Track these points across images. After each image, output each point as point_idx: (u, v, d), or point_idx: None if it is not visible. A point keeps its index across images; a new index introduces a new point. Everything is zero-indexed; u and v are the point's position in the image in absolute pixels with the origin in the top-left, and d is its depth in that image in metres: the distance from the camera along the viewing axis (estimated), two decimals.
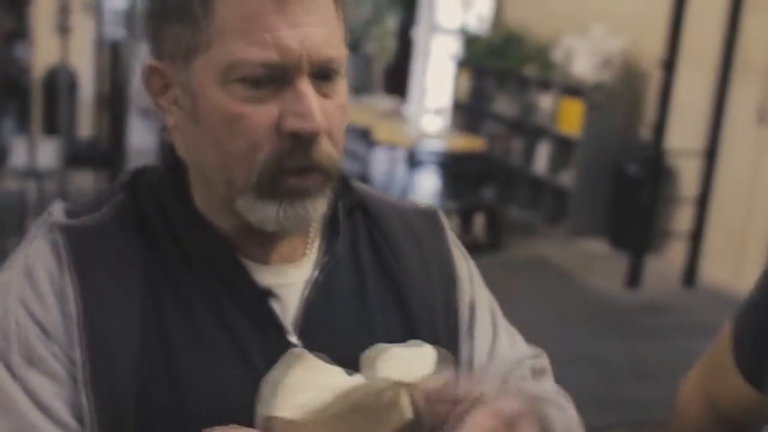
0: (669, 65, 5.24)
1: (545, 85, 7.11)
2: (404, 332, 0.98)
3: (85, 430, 0.86)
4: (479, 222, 6.31)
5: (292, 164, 0.87)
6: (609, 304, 5.29)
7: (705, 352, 1.08)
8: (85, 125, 7.07)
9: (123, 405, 0.87)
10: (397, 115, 7.93)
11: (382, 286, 1.02)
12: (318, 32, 0.86)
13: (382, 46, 10.30)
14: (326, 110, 0.88)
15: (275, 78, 0.86)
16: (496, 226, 6.42)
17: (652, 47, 5.98)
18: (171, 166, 0.97)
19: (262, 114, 0.86)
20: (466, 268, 1.12)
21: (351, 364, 0.89)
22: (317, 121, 0.86)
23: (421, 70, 10.12)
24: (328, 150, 0.90)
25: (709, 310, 5.03)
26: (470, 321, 1.08)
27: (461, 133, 7.87)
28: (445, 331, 1.04)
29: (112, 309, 0.89)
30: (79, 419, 0.87)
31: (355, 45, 10.29)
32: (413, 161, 7.45)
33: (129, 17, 5.63)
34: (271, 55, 0.84)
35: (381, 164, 8.12)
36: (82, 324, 0.88)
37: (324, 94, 0.89)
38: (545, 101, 7.08)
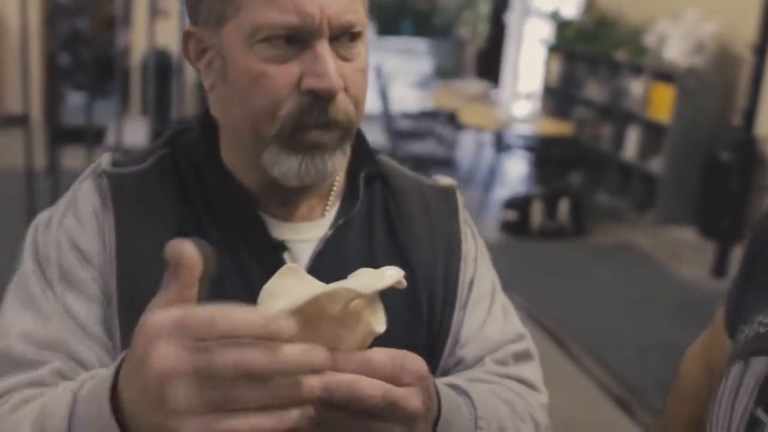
0: (761, 50, 5.12)
1: (636, 70, 7.01)
2: (405, 295, 1.03)
3: (114, 343, 0.98)
4: (564, 207, 6.28)
5: (311, 119, 0.94)
6: (694, 292, 5.22)
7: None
8: (190, 107, 7.28)
9: None
10: (486, 99, 7.95)
11: (389, 251, 1.09)
12: None
13: (474, 30, 10.30)
14: (345, 72, 0.95)
15: (296, 40, 0.92)
16: (582, 212, 6.38)
17: (745, 32, 5.84)
18: (204, 127, 1.07)
19: (284, 73, 0.93)
20: (473, 247, 1.17)
21: None
22: (333, 80, 0.92)
23: (513, 54, 10.08)
24: (346, 108, 0.96)
25: None
26: (466, 297, 1.13)
27: (550, 118, 7.83)
28: (441, 300, 1.10)
29: (145, 244, 0.99)
30: (110, 335, 0.98)
31: (447, 29, 10.32)
32: (500, 145, 7.45)
33: None
34: (292, 19, 0.91)
35: (468, 148, 8.14)
36: (118, 254, 0.99)
37: (343, 57, 0.95)
38: (636, 86, 6.98)
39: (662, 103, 6.61)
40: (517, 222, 6.16)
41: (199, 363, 0.65)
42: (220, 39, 0.97)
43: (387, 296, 0.96)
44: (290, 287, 0.76)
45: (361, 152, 1.09)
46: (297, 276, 0.78)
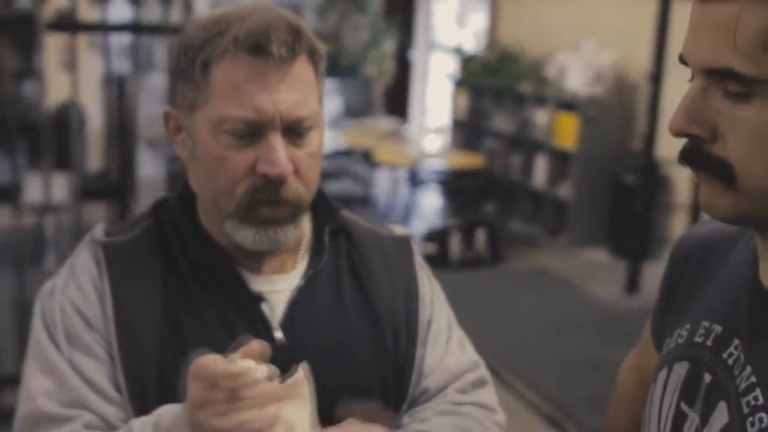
0: (656, 77, 5.42)
1: (540, 100, 7.29)
2: (372, 335, 1.22)
3: (123, 397, 1.11)
4: (480, 237, 6.47)
5: (263, 197, 1.11)
6: (609, 310, 5.44)
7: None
8: (94, 159, 7.25)
9: (146, 380, 1.11)
10: (397, 135, 8.12)
11: (356, 297, 1.24)
12: (290, 97, 1.08)
13: (380, 68, 10.48)
14: (296, 156, 1.11)
15: (253, 132, 1.08)
16: (498, 241, 6.57)
17: (640, 60, 6.16)
18: (183, 195, 1.21)
19: (242, 158, 1.09)
20: (429, 288, 1.33)
21: (326, 357, 1.14)
22: (282, 167, 1.09)
23: (419, 90, 10.31)
24: (296, 189, 1.12)
25: None
26: (426, 333, 1.28)
27: (461, 150, 8.05)
28: (404, 338, 1.25)
29: (137, 309, 1.13)
30: (118, 389, 1.11)
31: (354, 69, 10.49)
32: (415, 180, 7.62)
33: (133, 52, 5.80)
34: (249, 114, 1.07)
35: (383, 184, 8.29)
36: (115, 317, 1.12)
37: (296, 145, 1.11)
38: (541, 116, 7.25)
39: (567, 132, 6.89)
40: (437, 254, 6.31)
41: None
42: (191, 123, 1.12)
43: (357, 340, 1.19)
44: None
45: (324, 211, 1.26)
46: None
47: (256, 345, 0.98)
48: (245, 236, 1.13)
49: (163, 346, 1.12)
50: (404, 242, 1.34)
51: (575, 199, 6.87)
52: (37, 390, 1.10)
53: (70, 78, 5.23)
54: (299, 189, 1.13)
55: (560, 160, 7.10)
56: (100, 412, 1.09)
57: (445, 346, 1.29)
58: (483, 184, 7.63)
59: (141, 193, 5.67)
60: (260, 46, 1.06)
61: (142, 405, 1.09)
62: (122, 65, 6.47)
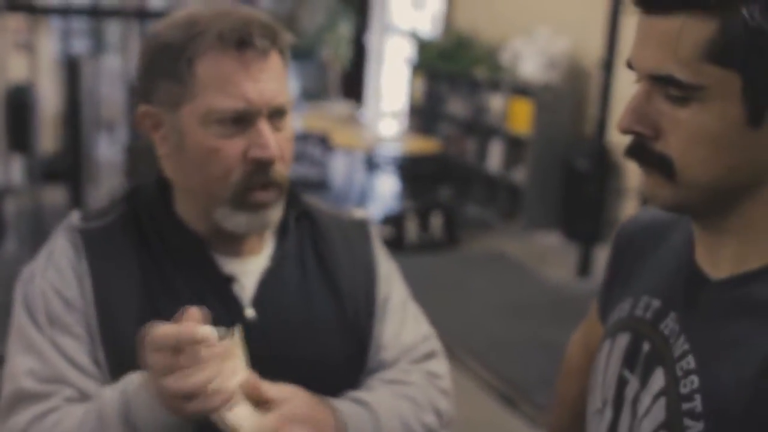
0: (608, 65, 5.55)
1: (495, 86, 7.40)
2: (335, 313, 1.32)
3: (102, 372, 1.18)
4: (436, 221, 6.57)
5: (256, 182, 1.19)
6: (561, 292, 5.58)
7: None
8: (47, 141, 7.21)
9: (126, 357, 1.15)
10: (354, 119, 8.18)
11: (319, 277, 1.34)
12: (272, 86, 1.17)
13: (337, 52, 10.52)
14: (278, 141, 1.19)
15: (241, 120, 1.16)
16: (453, 224, 6.69)
17: (593, 48, 6.29)
18: (159, 185, 1.29)
19: (233, 147, 1.17)
20: (387, 268, 1.43)
21: (294, 333, 1.24)
22: (273, 150, 1.17)
23: (375, 74, 10.36)
24: (281, 170, 1.21)
25: None
26: (384, 311, 1.39)
27: (417, 135, 8.13)
28: (364, 315, 1.35)
29: (115, 289, 1.21)
30: (98, 366, 1.19)
31: (309, 53, 10.51)
32: (371, 164, 7.70)
33: (90, 34, 5.80)
34: (239, 104, 1.15)
35: (339, 168, 8.35)
36: (95, 298, 1.20)
37: (277, 129, 1.20)
38: (496, 102, 7.37)
39: (521, 117, 7.01)
40: (393, 237, 6.40)
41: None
42: (177, 118, 1.18)
43: (322, 317, 1.30)
44: None
45: (290, 196, 1.33)
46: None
47: (196, 310, 1.04)
48: (239, 221, 1.21)
49: (141, 325, 1.17)
50: (363, 225, 1.44)
51: (529, 184, 7.00)
52: (19, 370, 1.17)
53: (27, 59, 5.22)
54: (283, 171, 1.21)
55: (514, 145, 7.22)
56: (81, 387, 1.16)
57: (401, 322, 1.39)
58: (439, 169, 7.73)
59: (98, 175, 5.67)
60: (244, 40, 1.14)
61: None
62: (78, 46, 6.45)
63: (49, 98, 7.26)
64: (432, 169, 7.68)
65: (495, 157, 7.46)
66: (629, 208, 6.17)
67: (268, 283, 1.28)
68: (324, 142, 7.70)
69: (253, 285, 1.28)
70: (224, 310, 1.23)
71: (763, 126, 0.89)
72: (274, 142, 1.17)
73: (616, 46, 5.49)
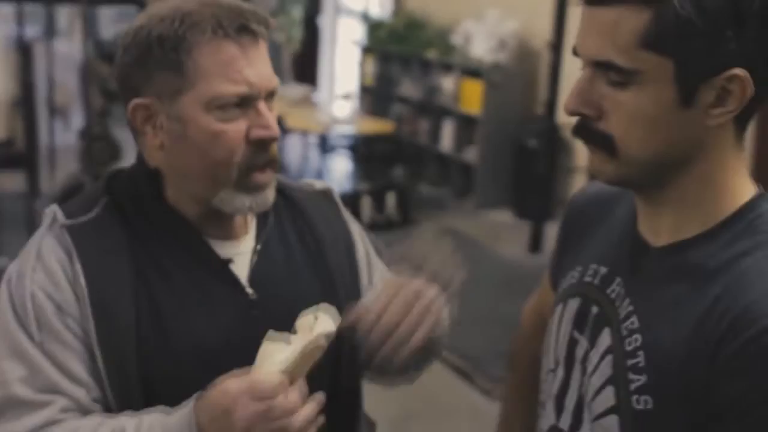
0: (557, 46, 5.67)
1: (447, 67, 7.50)
2: (321, 286, 1.37)
3: (102, 384, 1.19)
4: (391, 201, 6.66)
5: (259, 161, 1.22)
6: (514, 268, 5.72)
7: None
8: (0, 127, 7.14)
9: (125, 355, 1.19)
10: (308, 102, 8.20)
11: (303, 252, 1.39)
12: (267, 69, 1.22)
13: (289, 34, 10.50)
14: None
15: (243, 103, 1.20)
16: (407, 204, 6.79)
17: (542, 29, 6.41)
18: (146, 173, 1.28)
19: (236, 129, 1.20)
20: (357, 229, 1.50)
21: (287, 308, 1.23)
22: (275, 128, 1.22)
23: (328, 56, 10.38)
24: (276, 149, 1.26)
25: None
26: (368, 267, 1.47)
27: (370, 116, 8.20)
28: (349, 280, 1.42)
29: (111, 287, 1.21)
30: (96, 378, 1.19)
31: None
32: (325, 146, 7.75)
33: (46, 18, 5.75)
34: (242, 89, 1.19)
35: (294, 151, 8.39)
36: (91, 301, 1.19)
37: (270, 109, 1.24)
38: (447, 83, 7.46)
39: (472, 97, 7.12)
40: None
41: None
42: (176, 107, 1.20)
43: (309, 290, 1.34)
44: (278, 350, 1.12)
45: None
46: (280, 338, 1.13)
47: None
48: (242, 203, 1.23)
49: (139, 318, 1.21)
50: (327, 194, 1.50)
51: (481, 163, 7.12)
52: (9, 376, 1.15)
53: None
54: (277, 150, 1.26)
55: (466, 124, 7.33)
56: (73, 396, 1.17)
57: (382, 267, 1.48)
58: (392, 149, 7.81)
59: (54, 161, 5.65)
60: (243, 27, 1.18)
61: (121, 380, 1.19)
62: (30, 32, 6.39)
63: (0, 84, 7.19)
64: (385, 150, 7.76)
65: (447, 137, 7.57)
66: (578, 186, 6.27)
67: (259, 263, 1.32)
68: (279, 124, 7.71)
69: (245, 265, 1.31)
70: (225, 292, 1.28)
71: (694, 107, 0.99)
72: (275, 121, 1.22)
73: (564, 28, 5.62)
